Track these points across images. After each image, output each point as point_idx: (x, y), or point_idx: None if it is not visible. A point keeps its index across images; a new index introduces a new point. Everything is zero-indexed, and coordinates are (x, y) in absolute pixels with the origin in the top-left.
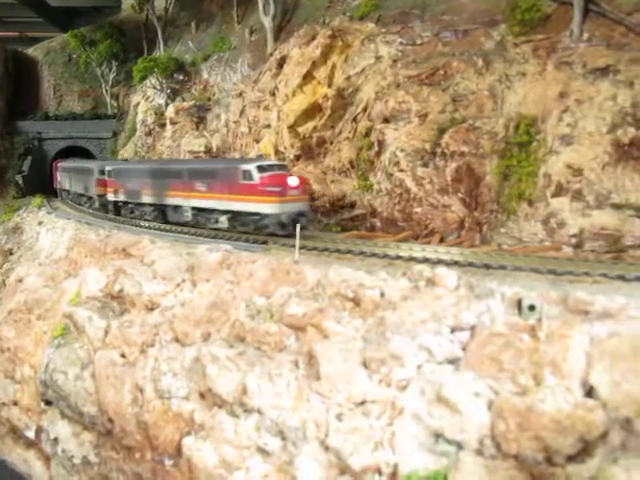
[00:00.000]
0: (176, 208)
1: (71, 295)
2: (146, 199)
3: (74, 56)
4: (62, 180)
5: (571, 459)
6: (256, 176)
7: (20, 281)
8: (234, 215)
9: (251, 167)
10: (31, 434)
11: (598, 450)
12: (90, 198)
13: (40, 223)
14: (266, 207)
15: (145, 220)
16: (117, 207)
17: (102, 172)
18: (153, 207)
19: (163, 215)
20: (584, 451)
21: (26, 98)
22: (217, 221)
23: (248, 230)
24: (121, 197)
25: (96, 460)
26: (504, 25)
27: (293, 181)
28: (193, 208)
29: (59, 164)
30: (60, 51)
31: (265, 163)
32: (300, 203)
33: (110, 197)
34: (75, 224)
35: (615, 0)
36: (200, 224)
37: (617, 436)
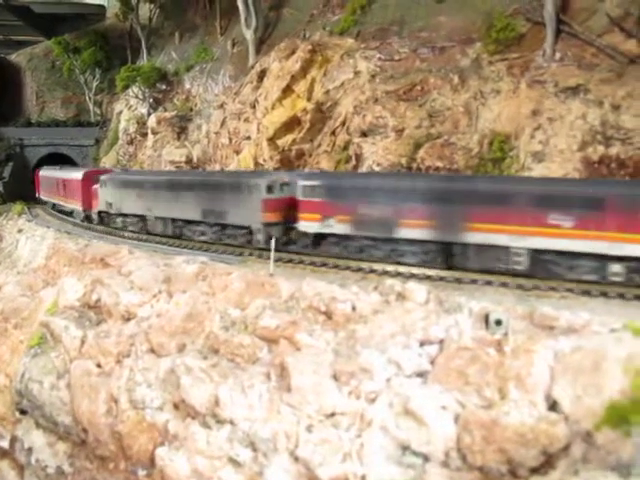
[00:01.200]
0: (488, 248)
1: (48, 304)
2: (409, 233)
3: (57, 63)
4: (117, 200)
5: (534, 471)
6: None
7: None
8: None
9: None
10: (5, 444)
11: (560, 462)
12: (224, 227)
13: (20, 231)
14: None
15: (401, 264)
16: (318, 240)
17: (271, 189)
18: (426, 245)
19: (445, 257)
20: (547, 463)
21: (8, 104)
22: (599, 271)
23: None
24: (340, 228)
25: (70, 470)
26: (480, 43)
27: None
28: (535, 251)
29: (102, 177)
30: (43, 57)
31: None
32: None
33: (309, 227)
34: (54, 233)
35: (586, 22)
36: (547, 275)
37: (578, 449)
